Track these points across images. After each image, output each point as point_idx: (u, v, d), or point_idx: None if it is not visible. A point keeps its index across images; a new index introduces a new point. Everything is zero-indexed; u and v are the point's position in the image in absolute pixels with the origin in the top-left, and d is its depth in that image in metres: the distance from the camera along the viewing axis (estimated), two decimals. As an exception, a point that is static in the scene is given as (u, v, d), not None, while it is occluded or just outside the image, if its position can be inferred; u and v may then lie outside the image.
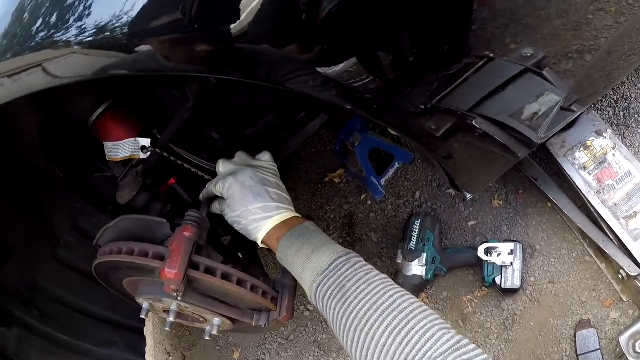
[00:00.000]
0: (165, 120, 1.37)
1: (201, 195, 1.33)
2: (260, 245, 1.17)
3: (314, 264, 1.02)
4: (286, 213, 1.15)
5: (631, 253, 1.50)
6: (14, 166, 1.40)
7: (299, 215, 1.17)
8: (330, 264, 0.99)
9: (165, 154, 1.30)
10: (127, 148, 1.26)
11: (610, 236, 1.55)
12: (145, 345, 1.92)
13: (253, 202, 1.14)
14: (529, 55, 1.02)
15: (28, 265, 1.53)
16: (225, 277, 1.15)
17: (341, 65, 0.83)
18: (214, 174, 1.33)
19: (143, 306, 1.30)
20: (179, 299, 1.14)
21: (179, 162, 1.31)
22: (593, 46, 1.13)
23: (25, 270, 1.53)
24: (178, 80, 1.43)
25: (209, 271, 1.13)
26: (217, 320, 1.29)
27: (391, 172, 1.97)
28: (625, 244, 1.51)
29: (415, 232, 1.77)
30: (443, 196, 1.89)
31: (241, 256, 1.42)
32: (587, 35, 1.09)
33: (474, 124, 1.06)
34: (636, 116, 1.72)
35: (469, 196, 1.33)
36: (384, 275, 0.97)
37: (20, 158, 1.40)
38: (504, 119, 1.11)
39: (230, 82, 1.46)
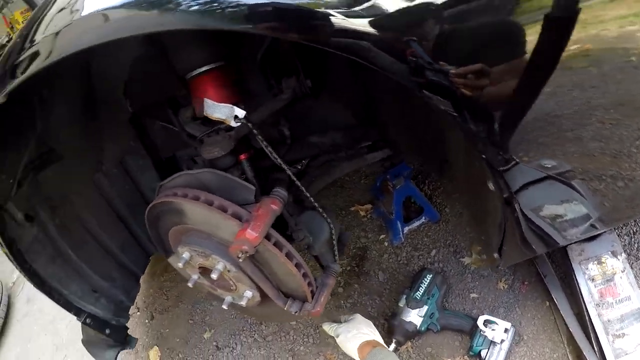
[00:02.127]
0: (250, 101, 1.47)
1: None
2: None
3: None
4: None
5: (610, 369, 1.65)
6: (91, 87, 1.48)
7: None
8: None
9: (254, 131, 1.37)
10: (224, 111, 1.32)
11: (595, 348, 1.70)
12: (138, 292, 1.99)
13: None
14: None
15: (67, 176, 1.59)
16: (288, 256, 1.26)
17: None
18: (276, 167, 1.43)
19: (183, 256, 1.39)
20: (241, 261, 1.23)
21: (264, 143, 1.37)
22: (629, 176, 1.30)
23: (63, 180, 1.59)
24: (279, 72, 1.56)
25: (277, 246, 1.24)
26: (249, 293, 1.38)
27: (416, 223, 2.12)
28: (607, 358, 1.66)
29: (424, 284, 1.90)
30: (455, 263, 2.04)
31: None
32: (625, 165, 1.25)
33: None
34: (644, 254, 1.91)
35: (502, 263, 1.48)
36: None
37: (102, 81, 1.48)
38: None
39: (319, 87, 1.59)
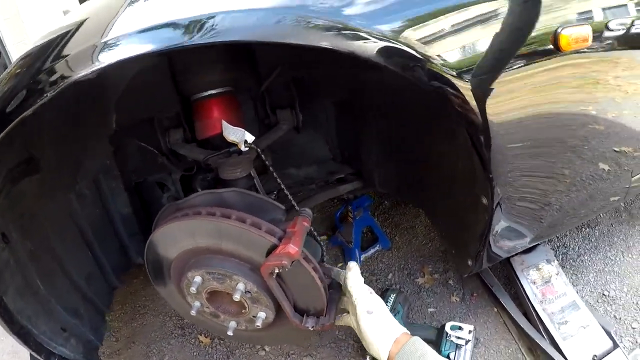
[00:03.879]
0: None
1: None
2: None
3: None
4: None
5: (560, 349, 1.93)
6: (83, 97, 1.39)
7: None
8: None
9: (262, 156, 1.47)
10: (238, 134, 1.38)
11: (545, 336, 1.98)
12: (105, 331, 1.84)
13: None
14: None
15: (41, 193, 1.48)
16: (315, 270, 1.33)
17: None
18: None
19: (195, 280, 1.38)
20: (274, 277, 1.28)
21: (271, 169, 1.47)
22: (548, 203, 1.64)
23: (36, 198, 1.47)
24: (275, 102, 1.69)
25: (307, 260, 1.31)
26: (262, 314, 1.41)
27: (372, 251, 2.34)
28: (557, 342, 1.94)
29: (389, 302, 2.08)
30: (411, 283, 2.26)
31: None
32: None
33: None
34: (571, 261, 2.28)
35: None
36: None
37: (100, 88, 1.42)
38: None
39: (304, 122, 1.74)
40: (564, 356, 1.92)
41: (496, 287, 2.18)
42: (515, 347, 2.08)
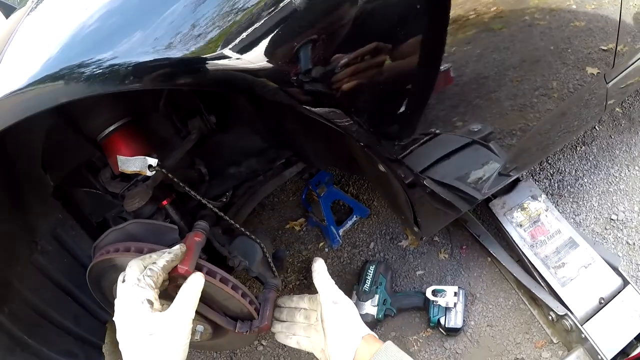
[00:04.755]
0: (162, 148, 1.51)
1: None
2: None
3: None
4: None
5: (559, 296, 1.71)
6: (10, 166, 1.45)
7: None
8: None
9: (169, 175, 1.39)
10: (137, 164, 1.33)
11: (542, 283, 1.77)
12: None
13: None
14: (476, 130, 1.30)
15: (4, 263, 1.53)
16: (223, 281, 1.27)
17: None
18: (200, 204, 1.45)
19: None
20: None
21: (181, 184, 1.40)
22: (535, 125, 1.42)
23: (1, 267, 1.52)
24: (183, 114, 1.61)
25: (210, 274, 1.25)
26: (200, 327, 1.37)
27: (349, 223, 2.17)
28: (555, 289, 1.72)
29: (369, 275, 1.93)
30: (395, 248, 2.08)
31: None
32: (530, 116, 1.38)
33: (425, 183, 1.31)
34: (569, 187, 2.02)
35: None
36: None
37: (20, 159, 1.46)
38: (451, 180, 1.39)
39: (225, 122, 1.65)
40: (564, 304, 1.71)
41: (483, 236, 1.97)
42: (516, 298, 1.89)
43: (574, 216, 1.99)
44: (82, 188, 1.68)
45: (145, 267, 1.11)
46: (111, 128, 1.41)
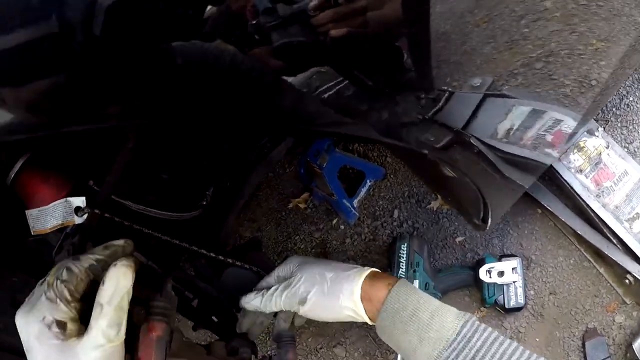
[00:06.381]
0: (103, 164, 1.11)
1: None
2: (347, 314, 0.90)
3: (436, 333, 0.80)
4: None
5: (638, 257, 1.43)
6: None
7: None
8: (457, 333, 0.79)
9: (107, 215, 1.01)
10: (57, 213, 0.98)
11: (614, 241, 1.47)
12: None
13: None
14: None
15: None
16: None
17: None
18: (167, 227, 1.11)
19: None
20: None
21: (126, 222, 1.03)
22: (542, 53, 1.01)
23: None
24: None
25: None
26: None
27: (363, 191, 1.80)
28: (632, 247, 1.44)
29: (403, 257, 1.62)
30: (424, 213, 1.75)
31: (216, 320, 1.19)
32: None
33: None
34: (614, 110, 1.66)
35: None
36: (518, 346, 0.80)
37: None
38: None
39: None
40: (643, 264, 1.43)
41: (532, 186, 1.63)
42: (577, 255, 1.60)
43: (626, 144, 1.63)
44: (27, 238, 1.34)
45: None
46: (15, 169, 1.02)
